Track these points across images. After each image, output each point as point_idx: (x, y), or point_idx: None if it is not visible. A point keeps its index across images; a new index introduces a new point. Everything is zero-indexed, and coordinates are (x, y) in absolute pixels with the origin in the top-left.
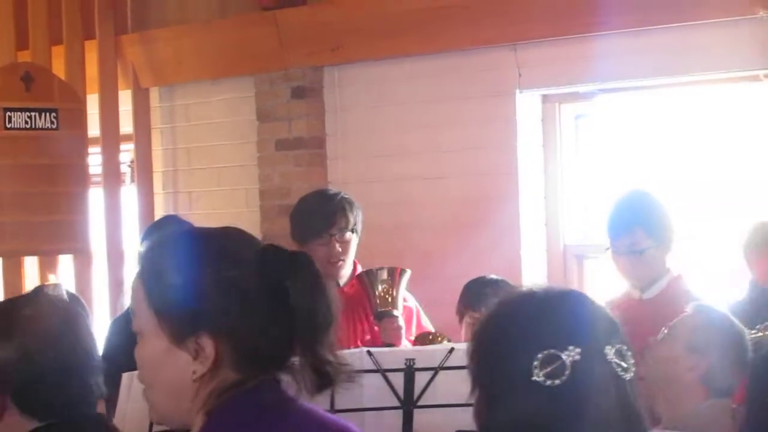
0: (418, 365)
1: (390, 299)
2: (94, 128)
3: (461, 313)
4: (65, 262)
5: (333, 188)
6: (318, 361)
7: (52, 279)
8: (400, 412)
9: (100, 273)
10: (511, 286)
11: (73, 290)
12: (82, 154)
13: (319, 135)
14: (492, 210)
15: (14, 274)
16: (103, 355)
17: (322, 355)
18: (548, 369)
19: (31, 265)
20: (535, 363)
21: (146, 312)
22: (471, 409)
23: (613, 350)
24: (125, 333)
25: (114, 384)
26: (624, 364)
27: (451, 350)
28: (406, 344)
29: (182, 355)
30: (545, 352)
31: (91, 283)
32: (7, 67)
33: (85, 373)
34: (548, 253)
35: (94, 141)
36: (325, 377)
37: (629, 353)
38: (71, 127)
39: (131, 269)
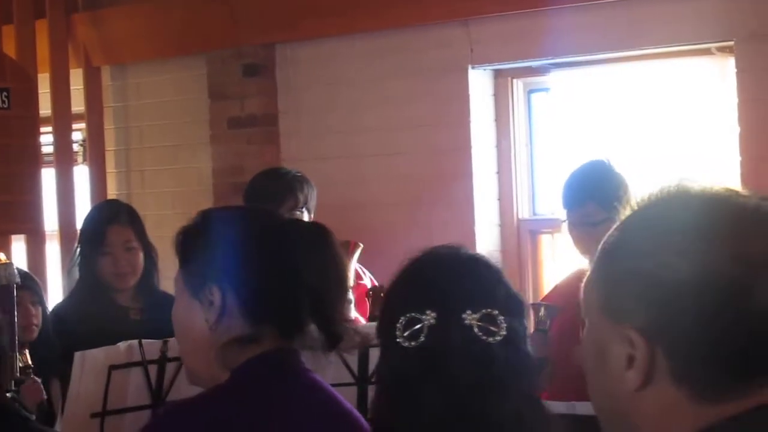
0: (372, 342)
1: None
2: (45, 108)
3: None
4: (18, 242)
5: (286, 166)
6: (326, 322)
7: (2, 257)
8: (355, 388)
9: (52, 252)
10: None
11: (26, 269)
12: (34, 134)
13: (271, 113)
14: (446, 186)
15: None
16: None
17: (330, 316)
18: (409, 331)
19: None
20: (398, 325)
21: (179, 273)
22: None
23: (477, 315)
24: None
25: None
26: (492, 328)
27: None
28: (359, 318)
29: (198, 307)
30: (408, 315)
31: (44, 263)
32: None
33: None
34: (501, 228)
35: (46, 120)
36: (333, 337)
37: (502, 317)
38: (23, 106)
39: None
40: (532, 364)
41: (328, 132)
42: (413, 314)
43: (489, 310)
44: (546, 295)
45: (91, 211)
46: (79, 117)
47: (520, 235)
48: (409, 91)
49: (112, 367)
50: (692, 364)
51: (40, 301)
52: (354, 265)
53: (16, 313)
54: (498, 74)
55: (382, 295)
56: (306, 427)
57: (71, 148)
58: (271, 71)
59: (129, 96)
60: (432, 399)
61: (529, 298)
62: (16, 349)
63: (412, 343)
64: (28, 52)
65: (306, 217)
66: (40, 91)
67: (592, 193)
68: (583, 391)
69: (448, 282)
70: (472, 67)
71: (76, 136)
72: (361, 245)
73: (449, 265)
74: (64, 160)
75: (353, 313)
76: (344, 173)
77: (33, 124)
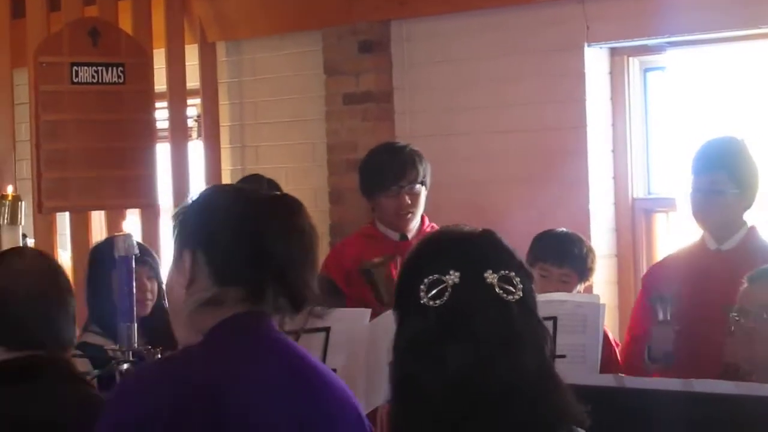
0: None
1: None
2: (160, 83)
3: (531, 265)
4: (132, 217)
5: (401, 142)
6: (288, 286)
7: (124, 228)
8: None
9: (166, 227)
10: (580, 239)
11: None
12: (149, 109)
13: (386, 89)
14: (560, 164)
15: (82, 229)
16: None
17: (292, 282)
18: (433, 291)
19: (98, 221)
20: (422, 287)
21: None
22: None
23: (496, 276)
24: None
25: None
26: (510, 288)
27: None
28: None
29: (176, 273)
30: (431, 277)
31: (158, 237)
32: (73, 22)
33: (55, 316)
34: (616, 207)
35: (161, 96)
36: (295, 301)
37: (518, 278)
38: (138, 81)
39: None
40: (543, 329)
41: (442, 109)
42: (437, 275)
43: (507, 271)
44: (652, 272)
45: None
46: (194, 92)
47: (635, 215)
48: (523, 68)
49: None
50: None
51: (156, 276)
52: None
53: (134, 285)
54: (614, 52)
55: None
56: (272, 386)
57: (186, 124)
58: (386, 48)
59: (244, 72)
60: (458, 354)
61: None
62: (134, 319)
63: (437, 302)
64: (143, 27)
65: (423, 193)
66: (155, 67)
67: (726, 163)
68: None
69: (468, 245)
70: (588, 45)
71: (191, 111)
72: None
73: (467, 233)
74: (178, 135)
75: None
76: (459, 151)
77: (148, 99)
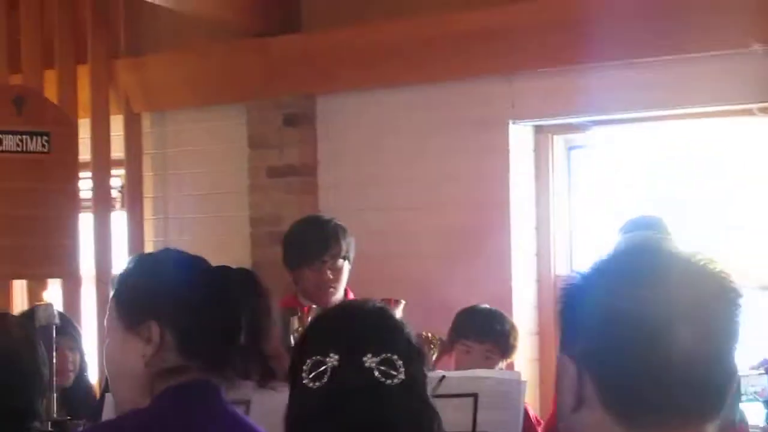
0: None
1: None
2: (85, 153)
3: (452, 342)
4: (54, 287)
5: (326, 215)
6: (260, 358)
7: (45, 297)
8: None
9: (88, 297)
10: (503, 316)
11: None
12: (73, 179)
13: (310, 163)
14: (483, 240)
15: (3, 296)
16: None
17: (264, 354)
18: (313, 373)
19: (20, 289)
20: (305, 368)
21: (112, 311)
22: None
23: (376, 359)
24: None
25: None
26: (391, 372)
27: (442, 378)
28: None
29: (136, 342)
30: (313, 358)
31: (79, 306)
32: None
33: (31, 393)
34: (539, 283)
35: (85, 165)
36: (268, 371)
37: (401, 361)
38: (63, 150)
39: None
40: (431, 411)
41: (367, 183)
42: (318, 357)
43: (389, 354)
44: None
45: None
46: (118, 163)
47: (557, 291)
48: (449, 144)
49: None
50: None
51: (78, 347)
52: None
53: (54, 355)
54: (538, 130)
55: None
56: None
57: (110, 194)
58: (312, 121)
59: (168, 143)
60: None
61: None
62: (54, 389)
63: (317, 384)
64: (69, 96)
65: (346, 267)
66: (80, 136)
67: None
68: None
69: (350, 327)
70: (513, 122)
71: (115, 182)
72: (403, 302)
73: (352, 312)
74: (102, 205)
75: None
76: (382, 225)
77: (72, 168)
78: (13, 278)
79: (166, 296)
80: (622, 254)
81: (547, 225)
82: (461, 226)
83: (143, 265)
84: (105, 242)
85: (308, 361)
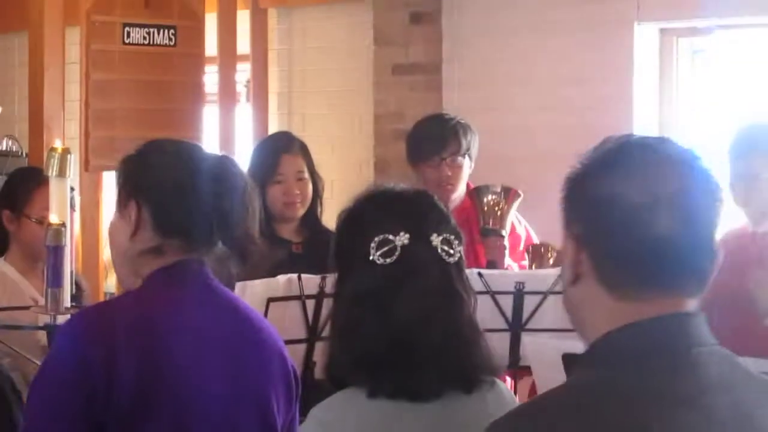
0: (527, 289)
1: (498, 216)
2: (211, 47)
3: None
4: None
5: (449, 113)
6: (231, 239)
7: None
8: (507, 334)
9: None
10: None
11: None
12: (199, 72)
13: (436, 61)
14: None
15: None
16: None
17: (235, 235)
18: (382, 250)
19: None
20: (372, 245)
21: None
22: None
23: (440, 238)
24: None
25: None
26: (450, 251)
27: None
28: (512, 265)
29: (123, 222)
30: (381, 236)
31: None
32: None
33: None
34: None
35: (211, 60)
36: (240, 253)
37: (456, 241)
38: (189, 44)
39: None
40: (471, 287)
41: (490, 83)
42: (386, 235)
43: (448, 235)
44: None
45: (264, 141)
46: (244, 58)
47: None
48: (573, 43)
49: (271, 300)
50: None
51: None
52: (513, 214)
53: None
54: (663, 32)
55: (542, 251)
56: (204, 328)
57: (235, 88)
58: (437, 19)
59: (294, 39)
60: (404, 306)
61: None
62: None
63: (387, 260)
64: None
65: (467, 165)
66: (206, 31)
67: (761, 146)
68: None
69: (412, 207)
70: (638, 23)
71: (241, 76)
72: (521, 194)
73: (413, 196)
74: (227, 98)
75: (507, 260)
76: (505, 124)
77: (198, 61)
78: None
79: (146, 177)
80: (618, 148)
81: (670, 128)
82: (584, 126)
83: (139, 150)
84: (229, 135)
85: (376, 238)
